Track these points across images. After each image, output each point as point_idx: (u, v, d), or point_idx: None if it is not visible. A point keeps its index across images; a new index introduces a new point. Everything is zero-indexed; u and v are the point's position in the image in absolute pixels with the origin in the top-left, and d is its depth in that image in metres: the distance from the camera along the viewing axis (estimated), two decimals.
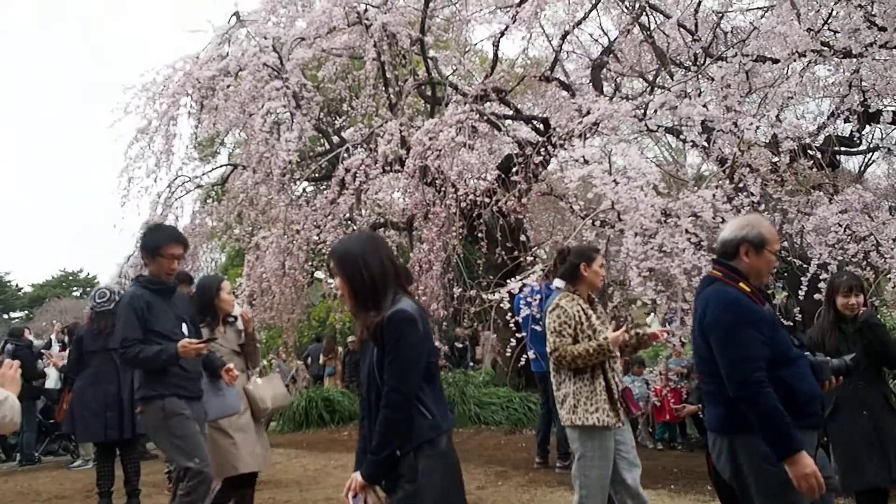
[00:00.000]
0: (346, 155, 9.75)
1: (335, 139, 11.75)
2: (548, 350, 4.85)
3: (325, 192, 10.28)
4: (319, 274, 15.42)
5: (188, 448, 5.04)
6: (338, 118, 13.74)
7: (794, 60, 8.59)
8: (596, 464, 4.72)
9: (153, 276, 5.22)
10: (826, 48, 8.28)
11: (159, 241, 5.09)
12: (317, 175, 12.48)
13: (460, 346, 15.06)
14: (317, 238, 10.17)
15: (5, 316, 45.75)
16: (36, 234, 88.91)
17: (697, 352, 3.71)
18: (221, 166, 14.42)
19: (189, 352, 4.90)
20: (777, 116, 9.31)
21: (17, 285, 51.93)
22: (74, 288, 50.75)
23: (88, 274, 52.50)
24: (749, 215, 4.15)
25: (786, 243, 8.32)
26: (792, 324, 7.38)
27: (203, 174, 13.25)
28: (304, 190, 15.04)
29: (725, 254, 3.58)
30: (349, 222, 11.04)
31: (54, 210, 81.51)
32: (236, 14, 11.09)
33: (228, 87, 10.31)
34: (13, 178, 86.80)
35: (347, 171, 9.39)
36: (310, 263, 11.21)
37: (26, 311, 46.88)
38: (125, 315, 5.06)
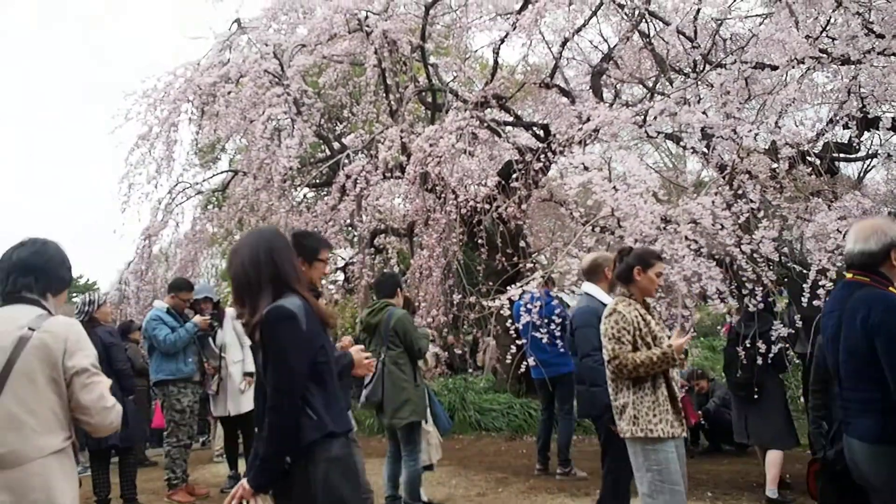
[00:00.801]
0: (346, 161, 9.77)
1: (336, 145, 11.78)
2: (606, 357, 4.58)
3: (325, 198, 10.30)
4: None
5: None
6: (338, 124, 13.74)
7: (793, 67, 8.61)
8: (666, 478, 4.48)
9: (311, 283, 5.01)
10: (824, 55, 8.31)
11: (319, 245, 4.79)
12: (317, 181, 12.51)
13: (459, 352, 15.03)
14: None
15: None
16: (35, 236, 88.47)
17: (852, 357, 3.57)
18: (222, 172, 14.44)
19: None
20: (776, 123, 9.35)
21: None
22: (74, 294, 50.60)
23: (88, 280, 52.44)
24: (875, 220, 3.85)
25: (786, 249, 8.34)
26: (794, 331, 7.40)
27: (204, 180, 13.26)
28: (304, 196, 15.08)
29: (872, 263, 3.60)
30: (350, 228, 11.07)
31: (54, 213, 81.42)
32: (237, 21, 11.14)
33: (229, 93, 10.33)
34: (13, 179, 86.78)
35: (348, 177, 9.41)
36: None
37: None
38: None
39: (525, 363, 8.35)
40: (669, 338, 4.63)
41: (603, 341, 4.61)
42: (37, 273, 3.29)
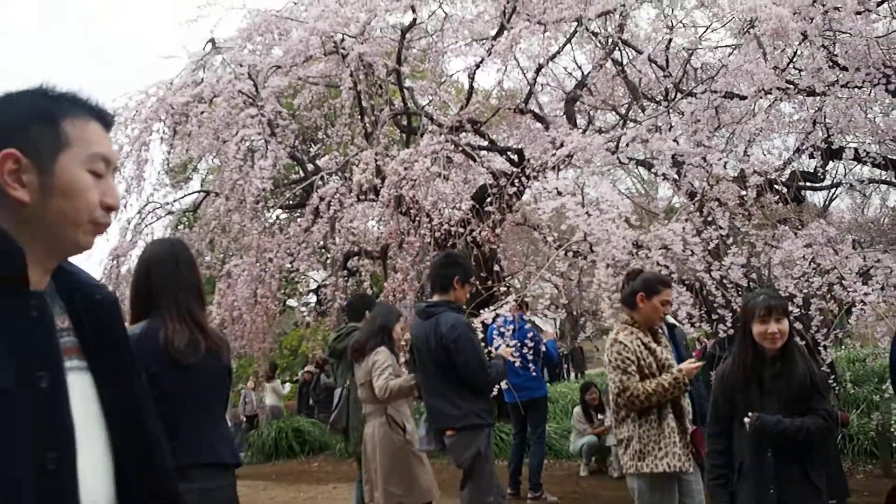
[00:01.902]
0: (320, 183, 9.77)
1: (310, 167, 11.78)
2: (613, 391, 4.30)
3: (298, 219, 10.29)
4: (292, 302, 15.37)
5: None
6: (313, 146, 13.76)
7: (761, 97, 8.80)
8: None
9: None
10: (791, 86, 8.50)
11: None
12: (291, 203, 12.48)
13: None
14: (290, 266, 10.16)
15: None
16: None
17: None
18: (193, 193, 14.38)
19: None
20: (745, 151, 9.54)
21: None
22: None
23: None
24: None
25: (754, 275, 8.48)
26: None
27: (175, 200, 13.21)
28: (277, 217, 15.04)
29: None
30: (323, 250, 11.04)
31: None
32: (212, 41, 11.11)
33: (202, 113, 10.29)
34: None
35: (322, 199, 9.40)
36: (282, 292, 11.17)
37: None
38: None
39: (497, 387, 8.36)
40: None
41: (608, 373, 4.39)
42: None
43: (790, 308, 7.06)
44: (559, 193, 7.72)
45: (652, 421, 4.24)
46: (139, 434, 1.59)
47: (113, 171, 1.54)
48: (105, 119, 1.56)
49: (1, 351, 1.32)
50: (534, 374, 8.16)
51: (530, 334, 8.25)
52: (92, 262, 13.58)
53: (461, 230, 8.97)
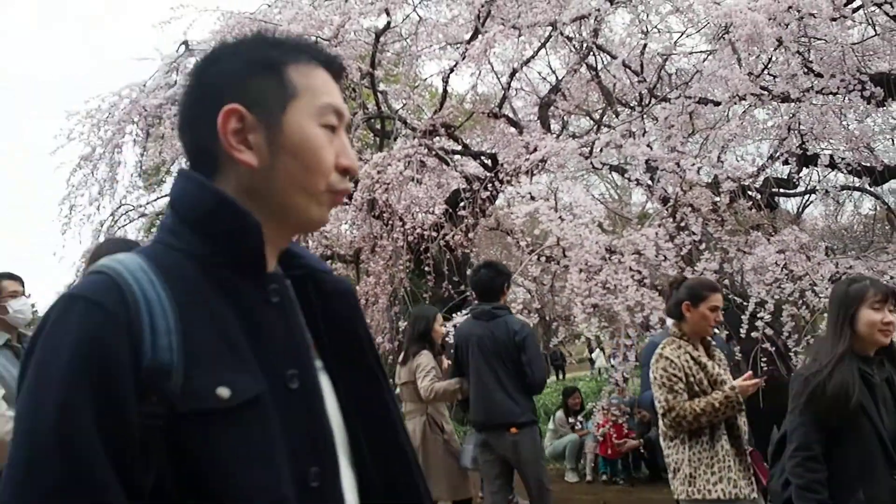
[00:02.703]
0: None
1: None
2: (660, 410, 3.97)
3: None
4: None
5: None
6: None
7: (735, 103, 8.81)
8: None
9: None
10: (765, 92, 8.51)
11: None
12: None
13: None
14: None
15: None
16: None
17: None
18: (166, 195, 14.23)
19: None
20: (718, 157, 9.54)
21: None
22: None
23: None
24: None
25: (727, 281, 8.48)
26: (734, 363, 7.50)
27: (148, 203, 13.06)
28: None
29: None
30: None
31: (9, 209, 79.73)
32: (185, 43, 11.01)
33: (175, 115, 10.19)
34: None
35: None
36: None
37: None
38: None
39: None
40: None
41: (655, 391, 4.03)
42: None
43: (762, 314, 7.11)
44: (532, 198, 7.70)
45: (703, 442, 3.89)
46: (392, 449, 1.35)
47: (346, 129, 1.31)
48: (333, 66, 1.32)
49: (243, 347, 1.13)
50: None
51: None
52: (65, 263, 13.42)
53: (434, 234, 8.93)
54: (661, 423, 4.03)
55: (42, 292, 43.96)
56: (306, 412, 1.18)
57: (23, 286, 4.61)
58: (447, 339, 6.57)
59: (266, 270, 1.21)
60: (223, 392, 1.08)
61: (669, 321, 4.41)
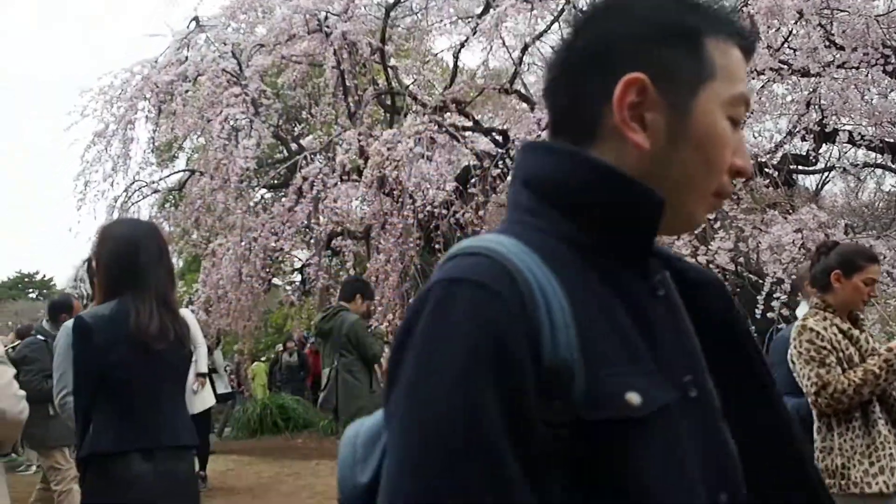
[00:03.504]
0: (304, 163, 9.65)
1: (294, 146, 11.65)
2: (810, 390, 3.33)
3: (282, 199, 10.18)
4: (277, 281, 15.31)
5: None
6: (297, 125, 13.61)
7: (753, 78, 8.63)
8: None
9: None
10: (785, 66, 8.33)
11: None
12: (275, 182, 12.38)
13: None
14: (274, 245, 10.08)
15: None
16: None
17: None
18: (179, 172, 14.26)
19: None
20: None
21: None
22: (30, 290, 50.10)
23: (45, 276, 51.83)
24: None
25: (742, 259, 8.35)
26: None
27: (160, 179, 13.10)
28: (261, 197, 14.92)
29: None
30: (307, 230, 10.94)
31: (10, 210, 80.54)
32: (196, 19, 10.98)
33: (187, 92, 10.20)
34: None
35: (305, 179, 9.30)
36: (266, 271, 11.09)
37: None
38: None
39: None
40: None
41: (799, 369, 3.42)
42: None
43: (778, 294, 6.98)
44: None
45: (855, 428, 3.30)
46: (791, 468, 1.10)
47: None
48: (748, 45, 1.06)
49: (640, 347, 0.93)
50: None
51: None
52: (80, 240, 13.47)
53: (444, 212, 8.85)
54: (813, 406, 3.40)
55: (60, 266, 44.27)
56: (704, 425, 0.98)
57: None
58: None
59: (647, 258, 1.02)
60: (633, 398, 0.89)
61: (808, 292, 3.89)
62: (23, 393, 3.11)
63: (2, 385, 3.10)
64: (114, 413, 2.85)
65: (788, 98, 10.10)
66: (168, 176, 13.76)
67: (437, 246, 9.42)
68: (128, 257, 2.97)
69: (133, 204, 12.10)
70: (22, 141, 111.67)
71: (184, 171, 14.02)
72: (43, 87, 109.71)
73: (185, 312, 7.50)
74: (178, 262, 17.47)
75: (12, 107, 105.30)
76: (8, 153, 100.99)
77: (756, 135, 11.02)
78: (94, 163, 10.87)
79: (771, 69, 8.18)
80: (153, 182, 12.71)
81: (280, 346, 16.21)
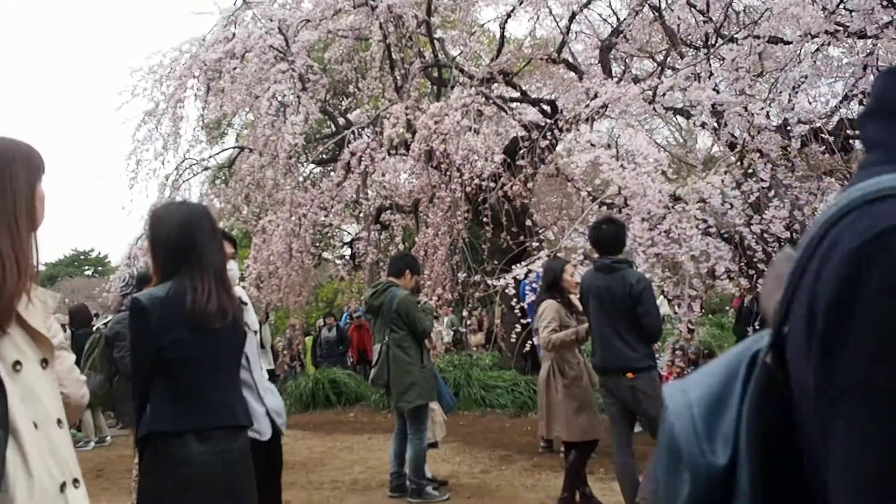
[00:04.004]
0: (352, 137, 9.66)
1: (341, 121, 11.67)
2: None
3: (331, 174, 10.21)
4: (326, 255, 15.40)
5: None
6: (344, 100, 13.62)
7: (807, 42, 8.43)
8: None
9: None
10: (840, 29, 8.11)
11: None
12: (323, 157, 12.41)
13: (463, 330, 14.78)
14: (323, 220, 10.14)
15: None
16: (49, 213, 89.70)
17: None
18: (228, 149, 14.38)
19: None
20: (789, 99, 9.15)
21: None
22: (86, 267, 51.14)
23: (100, 253, 52.85)
24: None
25: (797, 228, 8.19)
26: None
27: (210, 156, 13.21)
28: (310, 172, 15.00)
29: None
30: (356, 204, 10.98)
31: (66, 189, 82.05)
32: None
33: (235, 69, 10.24)
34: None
35: (353, 154, 9.31)
36: (316, 246, 11.16)
37: None
38: None
39: (530, 342, 8.27)
40: None
41: None
42: None
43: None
44: (592, 146, 7.50)
45: None
46: None
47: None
48: None
49: None
50: None
51: None
52: (132, 218, 13.63)
53: (492, 185, 8.80)
54: None
55: (114, 243, 45.07)
56: None
57: (235, 248, 4.73)
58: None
59: None
60: None
61: None
62: (84, 378, 3.19)
63: (64, 370, 3.18)
64: (170, 393, 2.89)
65: (844, 61, 9.83)
66: (218, 153, 13.89)
67: (485, 219, 9.39)
68: (184, 238, 2.99)
69: (184, 181, 12.21)
70: (80, 119, 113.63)
71: (233, 147, 14.14)
72: (97, 66, 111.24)
73: (239, 291, 7.65)
74: None
75: (70, 86, 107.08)
76: (67, 132, 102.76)
77: (811, 100, 10.73)
78: (145, 141, 11.02)
79: (826, 32, 7.96)
80: (203, 159, 12.81)
81: (320, 321, 16.32)
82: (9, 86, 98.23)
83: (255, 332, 5.25)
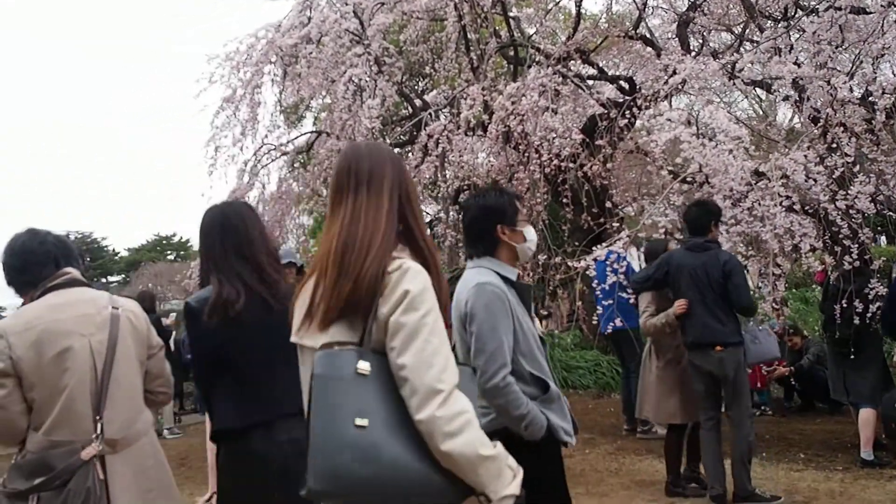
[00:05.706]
0: (429, 119, 9.73)
1: (418, 103, 11.75)
2: None
3: (409, 156, 10.32)
4: None
5: None
6: (420, 81, 13.68)
7: (893, 11, 8.21)
8: None
9: None
10: None
11: None
12: (401, 139, 12.52)
13: (545, 313, 14.79)
14: None
15: (103, 280, 47.47)
16: (131, 199, 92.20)
17: None
18: (306, 133, 14.55)
19: None
20: (873, 71, 8.94)
21: (113, 250, 54.08)
22: (168, 252, 52.48)
23: (182, 238, 54.13)
24: None
25: (882, 198, 8.04)
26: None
27: (288, 141, 13.38)
28: None
29: None
30: (433, 186, 11.08)
31: (149, 175, 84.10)
32: None
33: (311, 53, 10.36)
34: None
35: (430, 136, 9.40)
36: None
37: (123, 276, 48.76)
38: None
39: (596, 318, 8.35)
40: None
41: None
42: (72, 258, 3.31)
43: None
44: (671, 122, 7.46)
45: None
46: None
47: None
48: None
49: None
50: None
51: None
52: (212, 204, 13.81)
53: (571, 165, 8.80)
54: None
55: (196, 228, 46.00)
56: None
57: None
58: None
59: None
60: None
61: None
62: (172, 379, 3.47)
63: (168, 371, 3.49)
64: (232, 390, 2.97)
65: None
66: (296, 138, 14.05)
67: (564, 200, 9.40)
68: (209, 244, 3.13)
69: (263, 167, 12.40)
70: (162, 106, 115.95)
71: (311, 132, 14.32)
72: (97, 66, 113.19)
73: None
74: (308, 222, 17.96)
75: (151, 74, 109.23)
76: (149, 120, 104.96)
77: None
78: (223, 128, 11.17)
79: None
80: (281, 144, 12.98)
81: None
82: (9, 86, 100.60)
83: None
